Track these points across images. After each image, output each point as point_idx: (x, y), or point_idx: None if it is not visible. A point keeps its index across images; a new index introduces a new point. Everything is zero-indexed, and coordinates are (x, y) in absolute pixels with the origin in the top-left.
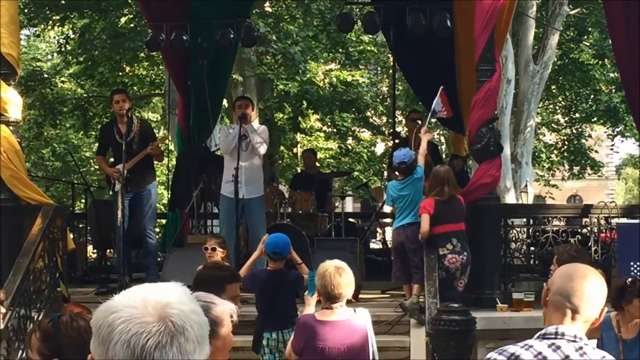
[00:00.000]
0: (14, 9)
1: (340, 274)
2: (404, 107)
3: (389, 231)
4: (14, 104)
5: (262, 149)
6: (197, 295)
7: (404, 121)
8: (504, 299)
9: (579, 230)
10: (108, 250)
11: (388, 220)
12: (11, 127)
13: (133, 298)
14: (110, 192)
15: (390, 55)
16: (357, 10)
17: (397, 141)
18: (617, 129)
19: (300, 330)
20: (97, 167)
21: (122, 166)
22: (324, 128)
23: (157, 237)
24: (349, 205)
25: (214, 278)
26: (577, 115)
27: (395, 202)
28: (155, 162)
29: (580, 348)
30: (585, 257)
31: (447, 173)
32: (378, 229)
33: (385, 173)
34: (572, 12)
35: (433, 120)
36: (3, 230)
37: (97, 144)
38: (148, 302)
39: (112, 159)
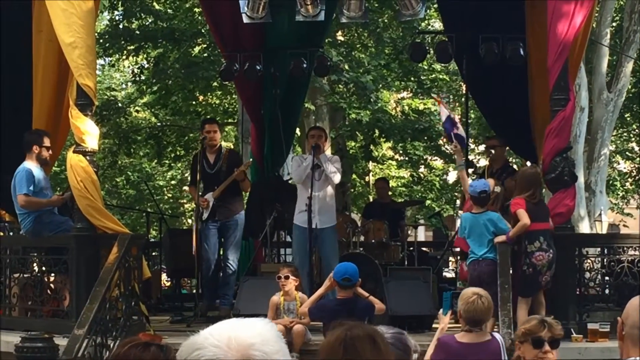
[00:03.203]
0: (91, 40)
1: (482, 300)
2: (476, 136)
3: None
4: (91, 134)
5: (337, 178)
6: (380, 328)
7: (476, 149)
8: (579, 329)
9: None
10: (182, 279)
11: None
12: (88, 157)
13: (218, 336)
14: (201, 221)
15: (462, 84)
16: (429, 39)
17: (470, 170)
18: None
19: (440, 349)
20: (170, 195)
21: (210, 195)
22: (396, 156)
23: (236, 267)
24: (422, 234)
25: None
26: None
27: (470, 236)
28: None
29: None
30: None
31: (538, 175)
32: (451, 258)
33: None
34: None
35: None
36: (80, 259)
37: (170, 172)
38: (232, 342)
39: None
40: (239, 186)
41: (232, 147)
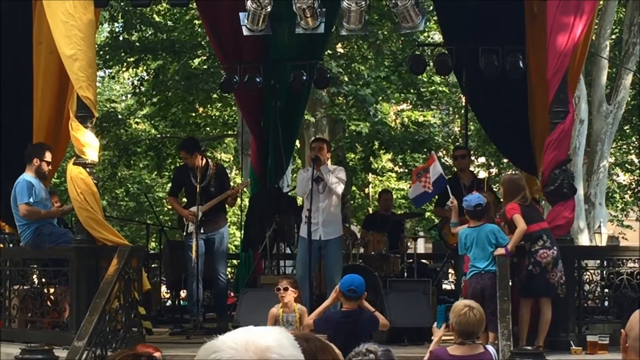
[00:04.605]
0: (91, 52)
1: (474, 312)
2: (475, 148)
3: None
4: (91, 146)
5: (339, 189)
6: (372, 346)
7: (476, 161)
8: (578, 341)
9: None
10: (182, 291)
11: None
12: (88, 169)
13: (235, 340)
14: (184, 234)
15: (462, 96)
16: (429, 51)
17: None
18: None
19: None
20: (170, 207)
21: (197, 208)
22: (396, 168)
23: (227, 278)
24: (421, 246)
25: None
26: None
27: (469, 250)
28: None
29: None
30: None
31: (521, 178)
32: (450, 270)
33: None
34: None
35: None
36: (80, 270)
37: (170, 184)
38: (249, 345)
39: (184, 199)
40: (224, 202)
41: (231, 159)
